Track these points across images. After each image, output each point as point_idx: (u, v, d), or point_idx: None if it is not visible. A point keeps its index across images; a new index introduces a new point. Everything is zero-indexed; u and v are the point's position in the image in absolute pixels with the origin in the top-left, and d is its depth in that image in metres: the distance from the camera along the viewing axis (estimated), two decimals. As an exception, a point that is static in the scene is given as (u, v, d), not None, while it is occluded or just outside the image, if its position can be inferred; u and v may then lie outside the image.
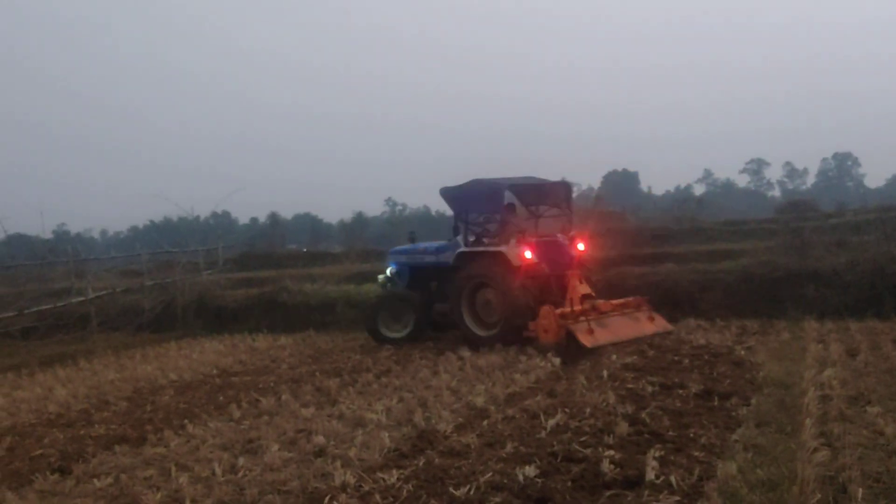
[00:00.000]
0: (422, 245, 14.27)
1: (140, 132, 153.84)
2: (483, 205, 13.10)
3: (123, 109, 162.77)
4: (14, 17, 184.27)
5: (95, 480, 6.06)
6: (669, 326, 12.23)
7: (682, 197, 55.35)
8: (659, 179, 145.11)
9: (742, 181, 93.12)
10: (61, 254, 23.07)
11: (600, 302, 11.81)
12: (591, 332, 10.85)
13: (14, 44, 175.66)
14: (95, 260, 23.91)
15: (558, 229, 13.36)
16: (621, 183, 78.21)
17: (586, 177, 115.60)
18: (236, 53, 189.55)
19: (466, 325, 12.31)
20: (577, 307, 11.25)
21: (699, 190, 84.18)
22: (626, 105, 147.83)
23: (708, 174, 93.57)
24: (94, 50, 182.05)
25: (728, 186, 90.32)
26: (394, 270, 14.01)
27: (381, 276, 14.41)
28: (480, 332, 12.15)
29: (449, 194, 13.18)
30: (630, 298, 12.38)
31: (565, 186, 13.77)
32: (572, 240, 12.70)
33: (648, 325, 11.91)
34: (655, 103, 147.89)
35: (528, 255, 11.84)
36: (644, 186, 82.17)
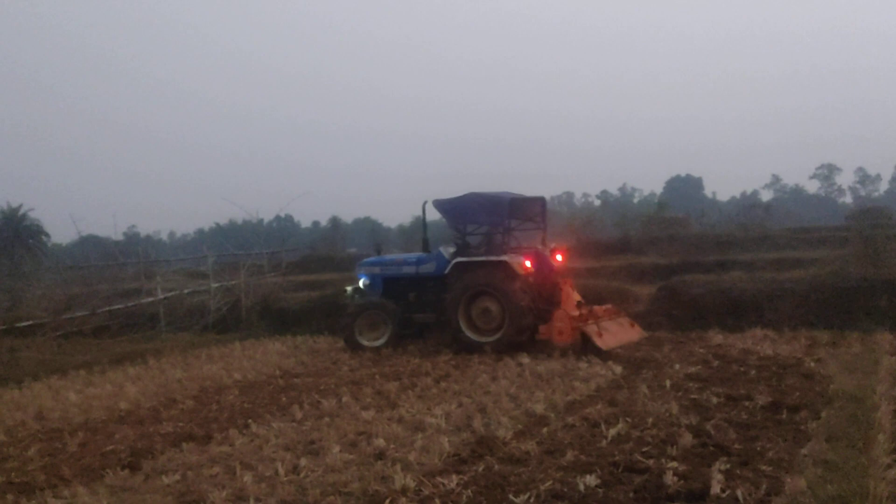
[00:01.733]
0: (398, 256, 14.95)
1: (210, 134, 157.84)
2: (482, 217, 13.57)
3: (195, 111, 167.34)
4: (116, 23, 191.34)
5: (163, 477, 6.21)
6: (644, 333, 13.09)
7: (748, 203, 53.89)
8: (724, 185, 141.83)
9: (812, 187, 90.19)
10: (132, 255, 23.89)
11: (595, 308, 12.57)
12: (600, 335, 11.67)
13: (110, 47, 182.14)
14: (164, 261, 24.65)
15: (536, 241, 13.95)
16: (684, 188, 76.67)
17: (648, 182, 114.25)
18: (314, 50, 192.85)
19: (463, 332, 12.74)
20: (576, 312, 12.03)
21: (766, 196, 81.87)
22: (692, 116, 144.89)
23: (776, 180, 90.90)
24: (179, 51, 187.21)
25: (797, 193, 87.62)
26: (366, 282, 14.23)
27: (349, 288, 14.69)
28: (477, 339, 12.65)
29: (444, 206, 13.58)
30: (608, 306, 13.21)
31: (542, 201, 14.27)
32: (552, 251, 13.44)
33: (633, 331, 12.81)
34: (722, 112, 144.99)
35: (527, 264, 12.67)
36: (708, 192, 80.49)
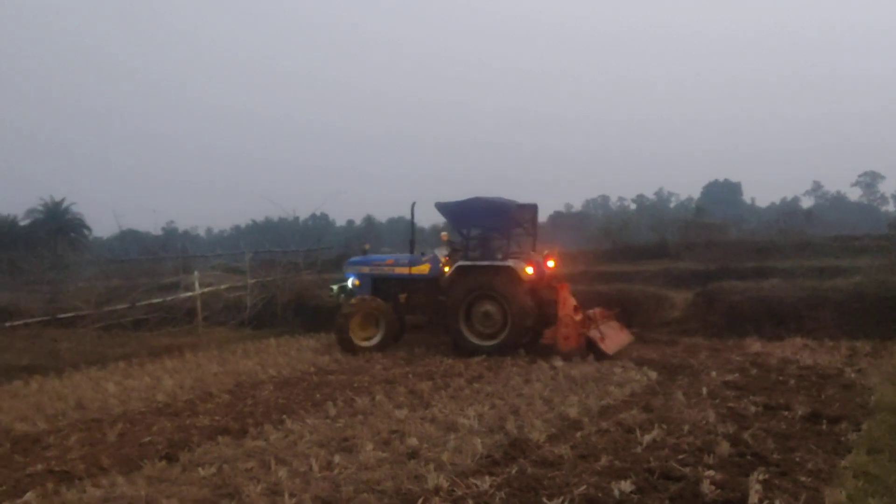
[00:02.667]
0: (389, 256, 14.80)
1: (246, 133, 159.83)
2: (487, 221, 13.72)
3: (231, 113, 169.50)
4: (142, 33, 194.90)
5: (200, 469, 6.28)
6: (632, 337, 13.60)
7: (788, 209, 52.98)
8: (763, 191, 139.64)
9: (854, 195, 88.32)
10: (170, 250, 24.23)
11: (591, 312, 12.85)
12: (602, 339, 12.06)
13: (139, 59, 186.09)
14: (202, 257, 24.92)
15: (526, 247, 14.06)
16: (722, 194, 75.60)
17: (685, 187, 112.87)
18: (347, 56, 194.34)
19: (465, 336, 12.88)
20: (579, 317, 12.29)
21: (807, 203, 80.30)
22: (731, 120, 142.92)
23: (817, 186, 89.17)
24: (207, 58, 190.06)
25: (838, 200, 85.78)
26: (354, 281, 14.15)
27: (334, 287, 14.58)
28: (477, 342, 12.83)
29: (447, 209, 13.68)
30: (599, 309, 13.35)
31: (533, 208, 14.21)
32: (544, 258, 13.59)
33: (624, 334, 13.27)
34: (762, 116, 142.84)
35: (529, 270, 12.92)
36: (747, 198, 79.31)
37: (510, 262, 12.93)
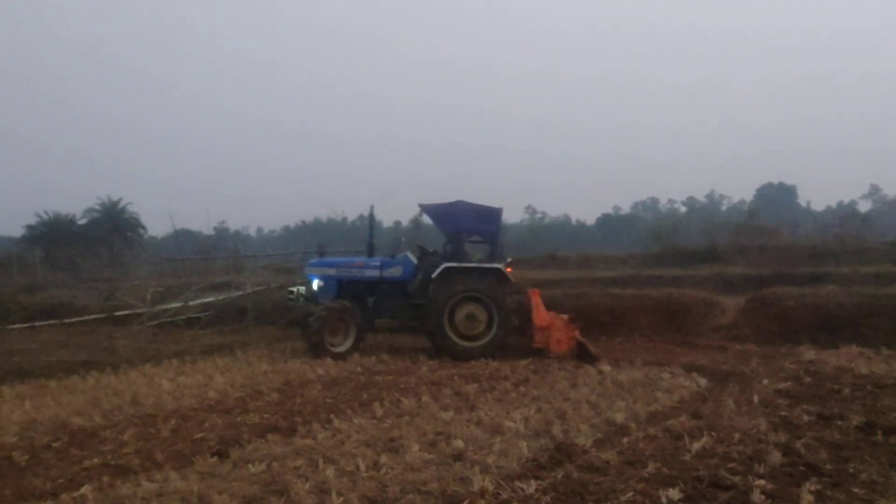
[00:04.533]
0: (356, 259, 14.52)
1: (300, 146, 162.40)
2: (473, 224, 13.85)
3: (283, 128, 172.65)
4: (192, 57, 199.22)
5: (250, 466, 6.38)
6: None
7: (845, 213, 51.50)
8: (819, 194, 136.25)
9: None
10: (223, 250, 24.70)
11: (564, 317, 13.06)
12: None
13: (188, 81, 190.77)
14: (252, 256, 25.36)
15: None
16: (776, 197, 73.89)
17: (737, 190, 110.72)
18: (393, 63, 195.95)
19: (449, 337, 12.98)
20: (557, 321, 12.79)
21: (864, 207, 77.95)
22: (785, 121, 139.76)
23: (875, 190, 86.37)
24: (266, 80, 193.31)
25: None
26: (319, 283, 13.81)
27: (295, 289, 14.31)
28: (465, 344, 13.01)
29: (433, 211, 13.79)
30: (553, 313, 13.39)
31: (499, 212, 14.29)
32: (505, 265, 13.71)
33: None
34: (817, 116, 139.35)
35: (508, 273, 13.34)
36: (802, 201, 77.40)
37: (499, 265, 13.26)
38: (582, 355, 12.38)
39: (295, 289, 14.44)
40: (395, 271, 13.77)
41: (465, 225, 13.81)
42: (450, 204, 13.62)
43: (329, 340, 13.09)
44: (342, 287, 13.88)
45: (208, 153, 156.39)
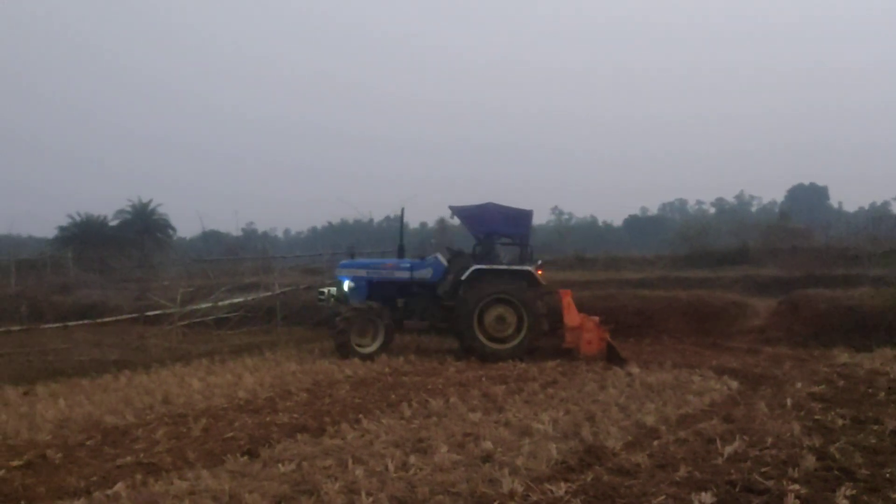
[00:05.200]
0: (387, 260, 14.71)
1: (325, 140, 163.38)
2: (504, 227, 13.83)
3: (312, 128, 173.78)
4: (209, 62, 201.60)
5: (280, 465, 6.42)
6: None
7: (878, 214, 50.60)
8: (852, 195, 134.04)
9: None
10: (251, 251, 24.91)
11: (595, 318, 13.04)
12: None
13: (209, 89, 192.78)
14: (281, 258, 25.55)
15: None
16: (808, 197, 72.82)
17: (768, 191, 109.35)
18: (415, 61, 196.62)
19: (478, 339, 12.94)
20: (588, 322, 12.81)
21: (898, 207, 76.70)
22: (814, 113, 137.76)
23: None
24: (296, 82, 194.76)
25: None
26: (350, 285, 13.88)
27: (325, 290, 14.34)
28: (494, 347, 12.95)
29: (463, 213, 13.74)
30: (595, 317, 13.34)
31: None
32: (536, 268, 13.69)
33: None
34: (848, 108, 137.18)
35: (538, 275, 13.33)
36: (834, 202, 76.19)
37: (530, 267, 13.23)
38: (611, 358, 12.34)
39: (325, 289, 14.52)
40: (425, 273, 13.82)
41: (496, 227, 13.83)
42: (480, 206, 13.63)
43: (357, 341, 13.16)
44: (372, 288, 13.94)
45: (237, 157, 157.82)
